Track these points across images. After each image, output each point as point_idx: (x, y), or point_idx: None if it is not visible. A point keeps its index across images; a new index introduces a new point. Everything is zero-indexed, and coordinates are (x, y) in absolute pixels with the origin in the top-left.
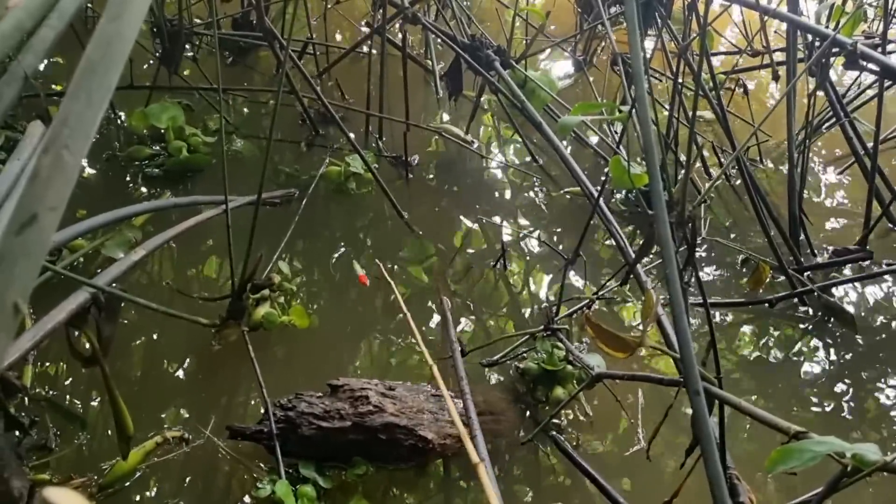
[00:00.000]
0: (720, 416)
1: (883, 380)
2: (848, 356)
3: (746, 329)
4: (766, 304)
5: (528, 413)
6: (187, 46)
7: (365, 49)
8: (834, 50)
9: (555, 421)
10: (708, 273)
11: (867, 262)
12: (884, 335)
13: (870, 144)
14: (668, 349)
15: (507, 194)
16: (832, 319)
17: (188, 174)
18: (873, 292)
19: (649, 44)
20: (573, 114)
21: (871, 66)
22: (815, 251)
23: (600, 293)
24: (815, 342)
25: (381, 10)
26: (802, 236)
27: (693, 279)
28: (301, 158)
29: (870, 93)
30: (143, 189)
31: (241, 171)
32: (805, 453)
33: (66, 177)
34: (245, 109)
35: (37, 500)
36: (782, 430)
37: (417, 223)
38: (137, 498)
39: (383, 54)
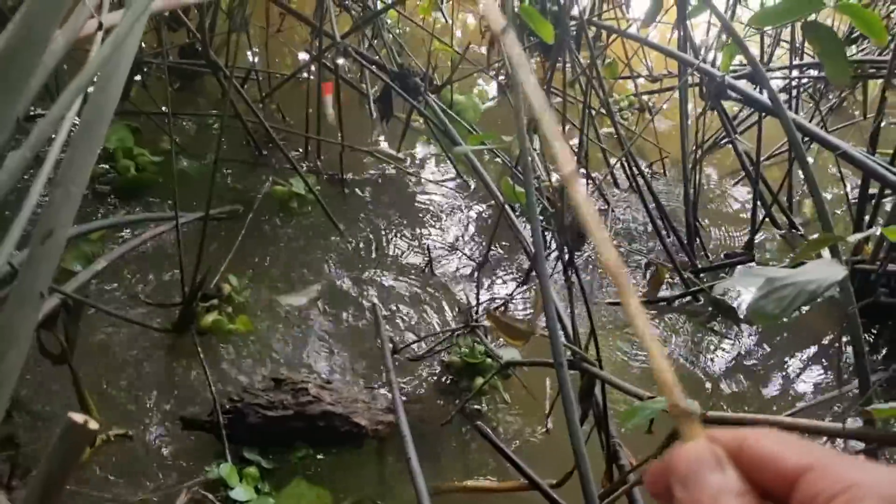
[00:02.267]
0: (602, 392)
1: (766, 362)
2: (737, 344)
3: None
4: (665, 303)
5: (453, 401)
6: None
7: (305, 74)
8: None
9: (476, 407)
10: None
11: (751, 264)
12: (769, 327)
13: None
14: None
15: (437, 205)
16: (720, 314)
17: (137, 191)
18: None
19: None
20: (470, 143)
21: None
22: (710, 254)
23: (513, 294)
24: (708, 335)
25: (318, 40)
26: (698, 242)
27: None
28: (247, 177)
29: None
30: (95, 205)
31: (188, 189)
32: (644, 410)
33: (72, 203)
34: (193, 128)
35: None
36: (638, 396)
37: (353, 234)
38: (96, 486)
39: (319, 80)
